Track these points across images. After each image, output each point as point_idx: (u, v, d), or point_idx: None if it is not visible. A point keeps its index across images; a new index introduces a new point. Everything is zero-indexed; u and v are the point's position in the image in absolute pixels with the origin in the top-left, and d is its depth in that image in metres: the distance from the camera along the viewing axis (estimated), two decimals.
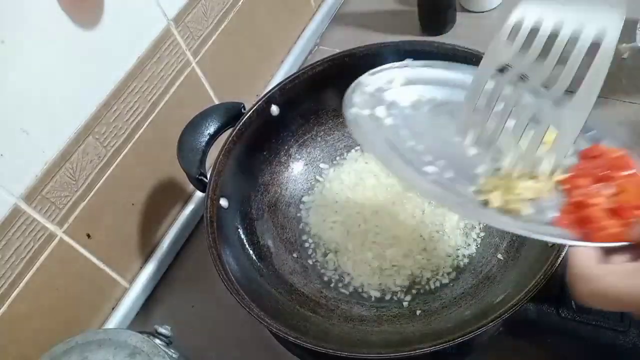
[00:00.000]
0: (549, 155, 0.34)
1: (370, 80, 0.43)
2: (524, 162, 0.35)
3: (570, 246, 0.29)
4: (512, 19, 0.36)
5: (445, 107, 0.41)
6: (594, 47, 0.32)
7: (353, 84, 0.43)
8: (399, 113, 0.40)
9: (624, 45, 0.76)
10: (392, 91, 0.42)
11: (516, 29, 0.36)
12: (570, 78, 0.33)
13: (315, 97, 0.66)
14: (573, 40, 0.33)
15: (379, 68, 0.44)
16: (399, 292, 0.58)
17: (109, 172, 0.61)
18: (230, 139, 0.59)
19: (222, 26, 0.72)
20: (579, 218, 0.30)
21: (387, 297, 0.58)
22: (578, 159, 0.34)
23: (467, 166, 0.37)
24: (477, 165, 0.37)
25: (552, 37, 0.34)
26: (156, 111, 0.65)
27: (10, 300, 0.53)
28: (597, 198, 0.30)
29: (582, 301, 0.28)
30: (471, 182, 0.36)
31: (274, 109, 0.63)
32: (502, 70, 0.37)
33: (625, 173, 0.30)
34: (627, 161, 0.31)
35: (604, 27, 0.32)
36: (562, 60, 0.34)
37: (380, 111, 0.41)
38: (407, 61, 0.44)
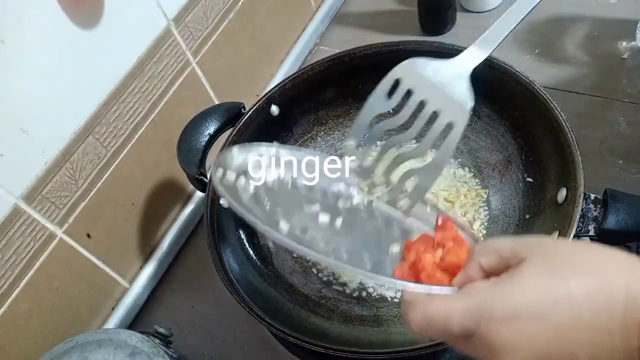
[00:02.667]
0: (406, 200, 0.43)
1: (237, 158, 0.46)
2: (390, 194, 0.44)
3: (405, 290, 0.34)
4: (392, 76, 0.44)
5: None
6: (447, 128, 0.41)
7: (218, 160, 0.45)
8: (262, 186, 0.45)
9: (624, 45, 0.76)
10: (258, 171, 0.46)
11: (395, 85, 0.44)
12: (428, 145, 0.42)
13: (315, 97, 0.66)
14: (433, 116, 0.42)
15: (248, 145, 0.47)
16: (399, 292, 0.58)
17: (109, 172, 0.61)
18: (230, 139, 0.59)
19: (222, 26, 0.72)
20: (413, 271, 0.37)
21: (388, 296, 0.58)
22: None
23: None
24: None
25: (419, 106, 0.43)
26: (156, 111, 0.65)
27: (10, 300, 0.53)
28: (428, 255, 0.37)
29: (416, 327, 0.32)
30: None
31: (274, 109, 0.63)
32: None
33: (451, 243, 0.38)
34: (459, 234, 0.39)
35: (456, 119, 0.41)
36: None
37: (243, 180, 0.45)
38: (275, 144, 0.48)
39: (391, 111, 0.45)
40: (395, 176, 0.45)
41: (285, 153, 0.46)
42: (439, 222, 0.41)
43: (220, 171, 0.44)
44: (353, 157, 0.46)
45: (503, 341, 0.28)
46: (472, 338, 0.29)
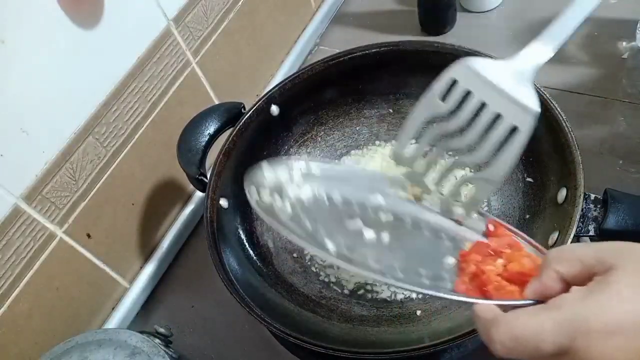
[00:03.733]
0: (460, 209, 0.41)
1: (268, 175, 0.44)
2: (442, 204, 0.42)
3: (474, 305, 0.32)
4: (449, 75, 0.40)
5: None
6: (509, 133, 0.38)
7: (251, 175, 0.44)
8: (298, 204, 0.42)
9: (624, 45, 0.76)
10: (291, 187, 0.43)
11: (450, 87, 0.40)
12: (489, 151, 0.39)
13: (315, 97, 0.66)
14: (493, 121, 0.38)
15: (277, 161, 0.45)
16: (399, 292, 0.58)
17: (109, 172, 0.61)
18: (230, 139, 0.59)
19: (222, 26, 0.72)
20: (477, 284, 0.34)
21: (388, 297, 0.58)
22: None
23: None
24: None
25: (479, 109, 0.39)
26: (156, 111, 0.65)
27: (10, 300, 0.53)
28: (489, 266, 0.34)
29: (502, 348, 0.29)
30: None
31: (274, 109, 0.63)
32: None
33: (509, 250, 0.36)
34: (513, 240, 0.37)
35: (520, 123, 0.37)
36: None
37: (279, 201, 0.42)
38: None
39: (445, 114, 0.40)
40: (448, 185, 0.42)
41: (316, 166, 0.44)
42: (491, 228, 0.38)
43: (254, 191, 0.41)
44: (400, 167, 0.43)
45: (602, 357, 0.26)
46: (565, 356, 0.27)
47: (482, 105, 0.39)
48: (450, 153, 0.42)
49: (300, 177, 0.44)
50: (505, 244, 0.37)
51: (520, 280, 0.32)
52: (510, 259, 0.34)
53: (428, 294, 0.35)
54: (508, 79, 0.39)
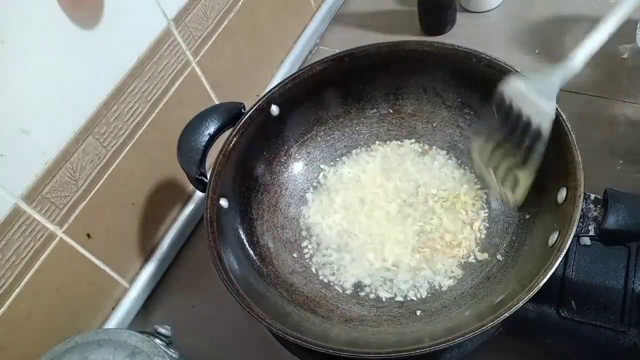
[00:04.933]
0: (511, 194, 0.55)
1: None
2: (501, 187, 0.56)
3: None
4: (501, 94, 0.52)
5: None
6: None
7: None
8: None
9: (624, 45, 0.76)
10: None
11: (504, 102, 0.52)
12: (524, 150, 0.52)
13: (315, 97, 0.66)
14: (527, 124, 0.51)
15: None
16: (399, 292, 0.58)
17: (109, 172, 0.61)
18: (230, 139, 0.59)
19: (222, 26, 0.72)
20: None
21: (388, 297, 0.58)
22: None
23: None
24: None
25: (519, 116, 0.51)
26: (156, 111, 0.65)
27: (10, 300, 0.53)
28: None
29: None
30: None
31: (274, 109, 0.63)
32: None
33: None
34: None
35: (541, 122, 0.50)
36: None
37: None
38: None
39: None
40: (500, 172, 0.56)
41: None
42: None
43: None
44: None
45: None
46: None
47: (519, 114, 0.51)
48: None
49: None
50: None
51: None
52: None
53: None
54: (538, 93, 0.51)
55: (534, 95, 0.50)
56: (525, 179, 0.53)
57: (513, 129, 0.52)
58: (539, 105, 0.50)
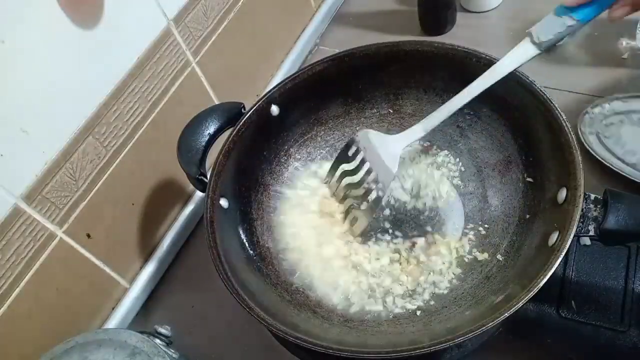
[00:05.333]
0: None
1: None
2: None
3: None
4: (352, 139, 0.61)
5: None
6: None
7: None
8: None
9: (624, 45, 0.76)
10: None
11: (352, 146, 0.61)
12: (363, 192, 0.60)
13: (315, 97, 0.66)
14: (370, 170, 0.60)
15: None
16: (399, 292, 0.58)
17: (109, 172, 0.61)
18: (230, 139, 0.59)
19: (222, 26, 0.72)
20: None
21: (388, 297, 0.58)
22: None
23: None
24: None
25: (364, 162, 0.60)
26: (156, 111, 0.65)
27: (10, 300, 0.53)
28: None
29: None
30: None
31: (274, 109, 0.63)
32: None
33: None
34: None
35: (383, 180, 0.58)
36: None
37: None
38: None
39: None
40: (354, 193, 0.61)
41: None
42: None
43: None
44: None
45: None
46: None
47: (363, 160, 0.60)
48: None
49: None
50: None
51: None
52: None
53: None
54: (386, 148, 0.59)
55: (382, 153, 0.58)
56: (363, 218, 0.59)
57: (357, 169, 0.60)
58: (385, 164, 0.58)
